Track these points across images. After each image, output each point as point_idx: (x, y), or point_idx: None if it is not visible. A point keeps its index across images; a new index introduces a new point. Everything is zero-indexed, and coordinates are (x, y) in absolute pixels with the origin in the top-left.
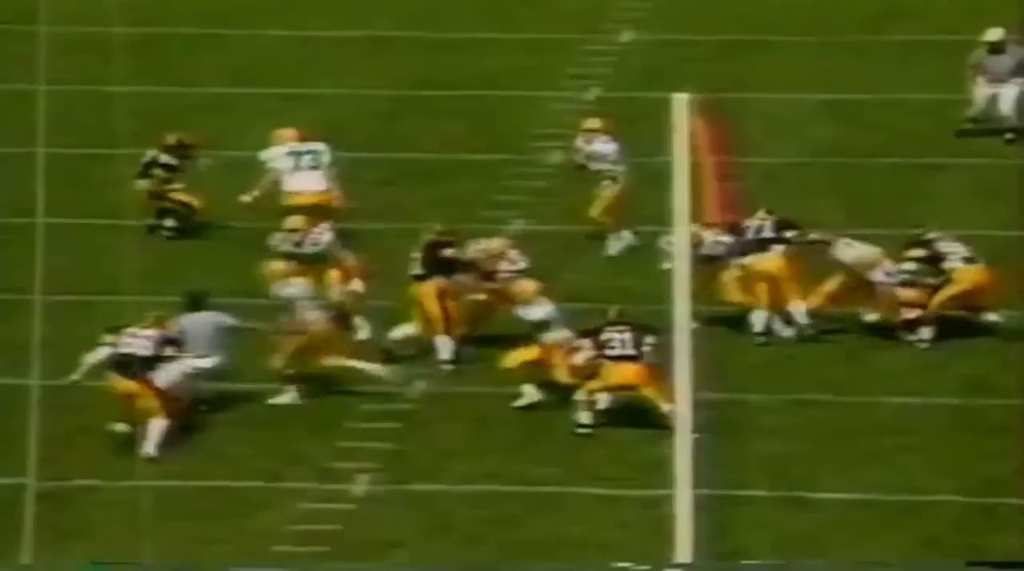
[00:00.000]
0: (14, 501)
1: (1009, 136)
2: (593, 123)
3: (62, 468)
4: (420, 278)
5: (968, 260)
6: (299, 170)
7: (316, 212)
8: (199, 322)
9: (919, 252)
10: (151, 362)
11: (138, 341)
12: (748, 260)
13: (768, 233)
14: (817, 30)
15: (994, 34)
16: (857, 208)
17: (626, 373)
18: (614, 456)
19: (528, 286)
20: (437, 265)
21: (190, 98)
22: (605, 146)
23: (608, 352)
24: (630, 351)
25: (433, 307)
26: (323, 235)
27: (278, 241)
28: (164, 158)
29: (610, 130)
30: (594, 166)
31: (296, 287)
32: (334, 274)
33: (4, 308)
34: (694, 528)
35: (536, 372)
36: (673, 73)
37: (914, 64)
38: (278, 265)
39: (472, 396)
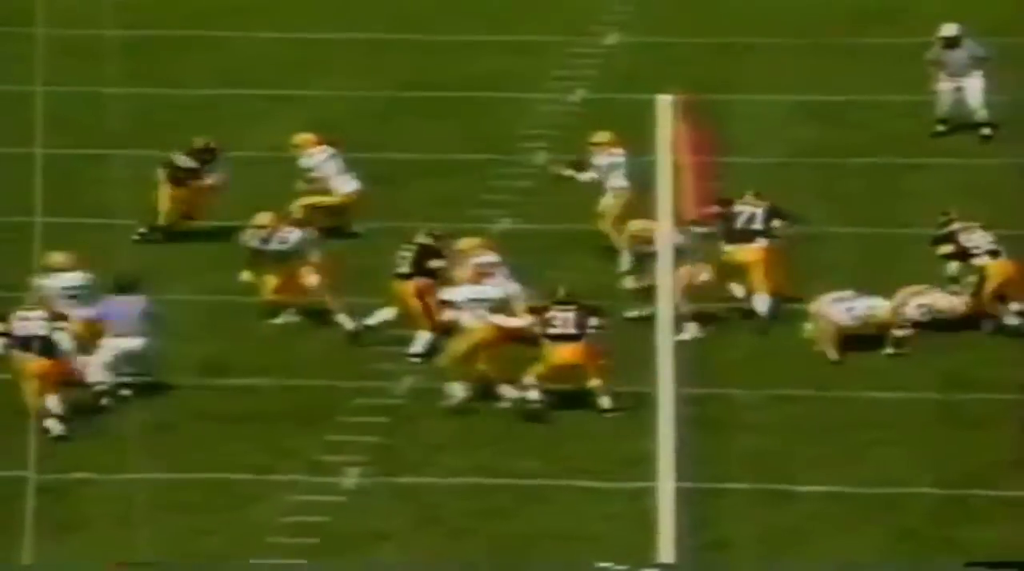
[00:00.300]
0: (12, 494)
1: (986, 132)
2: (602, 137)
3: (58, 461)
4: (403, 277)
5: (993, 253)
6: (341, 173)
7: (350, 211)
8: (125, 304)
9: (948, 248)
10: (48, 340)
11: (32, 322)
12: (729, 248)
13: (758, 223)
14: (800, 32)
15: (949, 29)
16: (839, 208)
17: (564, 353)
18: (600, 450)
19: (462, 273)
20: (422, 268)
21: (185, 100)
22: (618, 158)
23: (549, 330)
24: (571, 330)
25: (413, 304)
26: (291, 234)
27: (246, 238)
28: (182, 160)
29: (617, 141)
30: (610, 180)
31: (55, 280)
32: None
33: (2, 305)
34: (677, 521)
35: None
36: (658, 75)
37: (896, 66)
38: (57, 256)
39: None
